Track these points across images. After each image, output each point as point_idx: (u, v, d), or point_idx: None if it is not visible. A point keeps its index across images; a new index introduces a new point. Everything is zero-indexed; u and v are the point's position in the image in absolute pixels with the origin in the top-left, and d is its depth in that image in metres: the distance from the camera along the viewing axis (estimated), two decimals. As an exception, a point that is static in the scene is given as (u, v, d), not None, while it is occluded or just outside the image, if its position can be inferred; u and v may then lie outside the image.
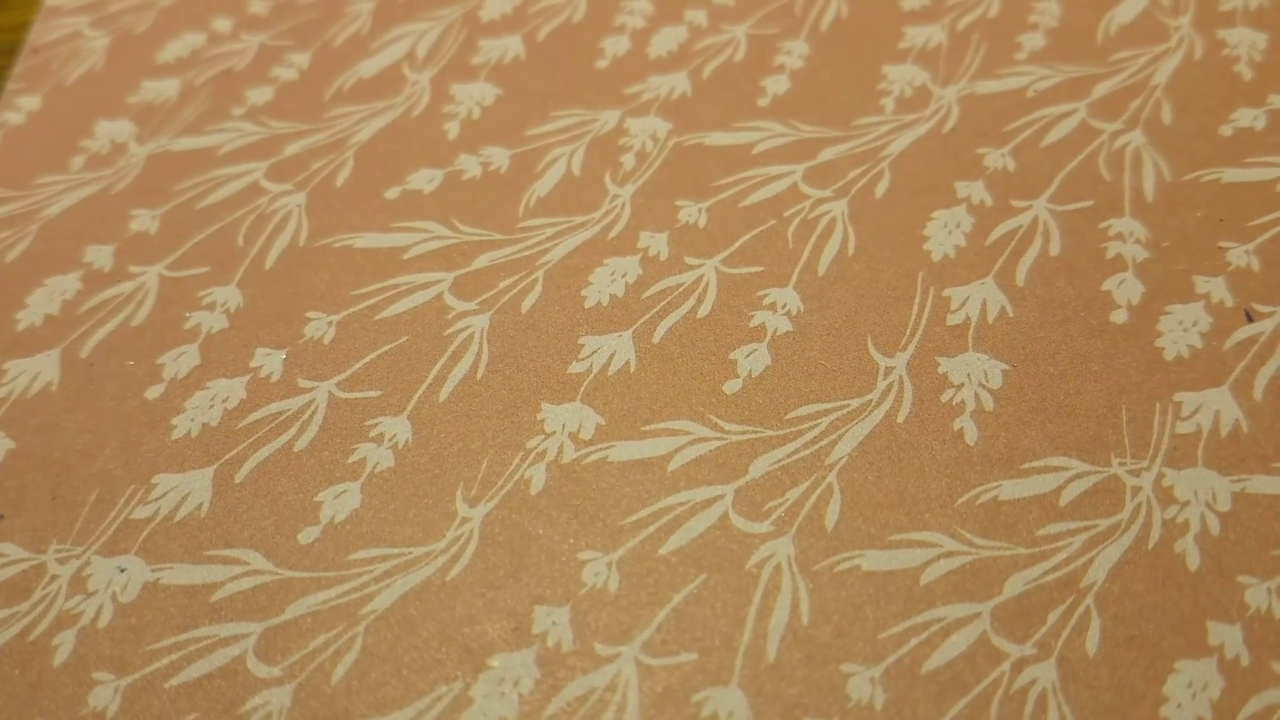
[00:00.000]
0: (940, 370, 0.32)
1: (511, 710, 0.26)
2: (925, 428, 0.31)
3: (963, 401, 0.32)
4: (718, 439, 0.31)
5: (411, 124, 0.40)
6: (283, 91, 0.41)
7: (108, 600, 0.29)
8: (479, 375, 0.33)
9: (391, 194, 0.38)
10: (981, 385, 0.32)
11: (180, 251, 0.36)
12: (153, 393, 0.33)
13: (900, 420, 0.31)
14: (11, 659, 0.28)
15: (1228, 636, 0.27)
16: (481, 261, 0.36)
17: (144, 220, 0.37)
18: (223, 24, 0.44)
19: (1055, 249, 0.35)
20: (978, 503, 0.30)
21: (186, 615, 0.28)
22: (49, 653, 0.28)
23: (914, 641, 0.27)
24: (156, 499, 0.30)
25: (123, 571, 0.29)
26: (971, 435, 0.31)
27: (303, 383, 0.33)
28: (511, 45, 0.42)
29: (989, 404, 0.31)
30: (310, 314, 0.34)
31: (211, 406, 0.32)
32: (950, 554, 0.29)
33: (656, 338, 0.34)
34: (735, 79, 0.41)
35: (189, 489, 0.31)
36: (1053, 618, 0.28)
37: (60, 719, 0.27)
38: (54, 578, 0.29)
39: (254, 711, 0.27)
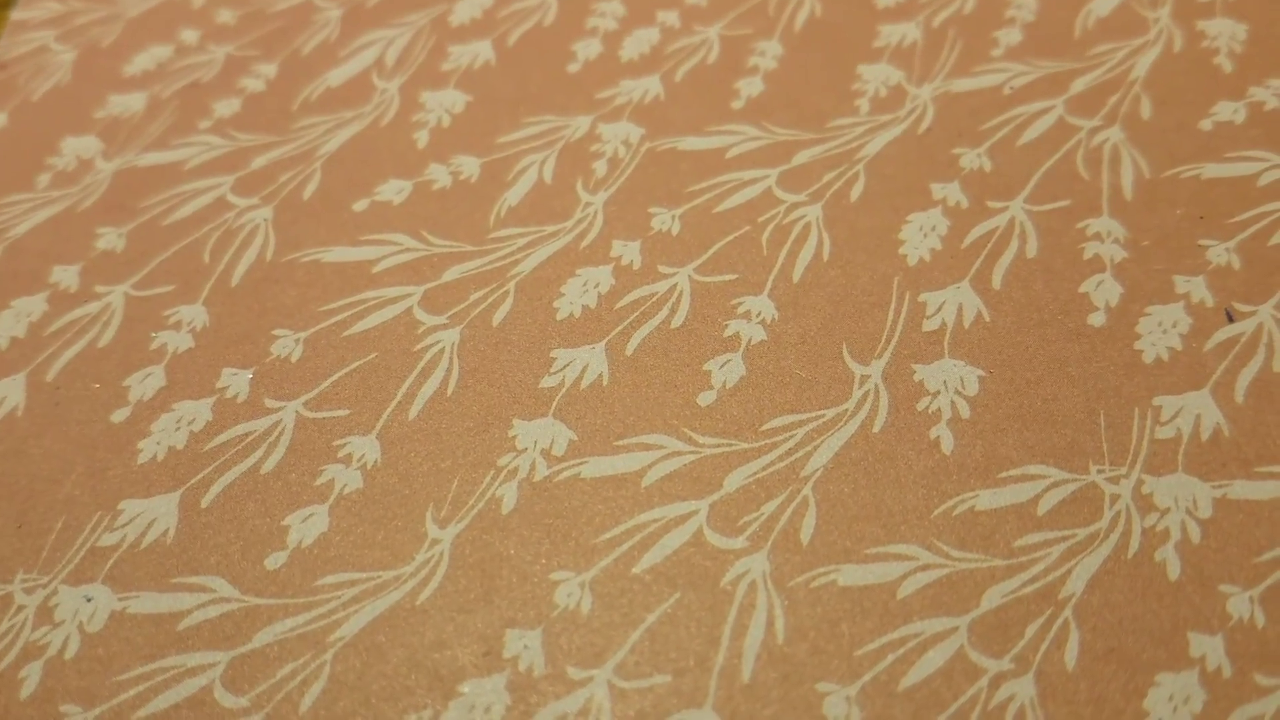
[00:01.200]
0: (916, 378, 0.32)
1: (482, 737, 0.26)
2: (901, 437, 0.31)
3: (939, 409, 0.31)
4: (692, 453, 0.31)
5: (380, 133, 0.39)
6: (250, 103, 0.40)
7: (74, 630, 0.28)
8: (449, 391, 0.32)
9: (360, 206, 0.37)
10: (958, 392, 0.31)
11: (146, 270, 0.36)
12: (119, 416, 0.32)
13: (876, 430, 0.31)
14: (-26, 694, 0.27)
15: (1209, 648, 0.27)
16: (452, 274, 0.35)
17: (110, 238, 0.37)
18: (190, 35, 0.43)
19: (1032, 251, 0.34)
20: (954, 513, 0.29)
21: (154, 645, 0.28)
22: (15, 685, 0.27)
23: (890, 658, 0.27)
24: (123, 525, 0.30)
25: (89, 601, 0.29)
26: (948, 444, 0.30)
27: (270, 403, 0.32)
28: (481, 50, 0.42)
29: (965, 411, 0.31)
30: (277, 331, 0.34)
31: (178, 429, 0.32)
32: (927, 567, 0.28)
33: (630, 349, 0.33)
34: (708, 81, 0.40)
35: (155, 515, 0.30)
36: (1031, 631, 0.27)
37: (25, 755, 0.26)
38: (20, 608, 0.29)
39: (221, 744, 0.26)
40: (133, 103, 0.41)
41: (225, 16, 0.44)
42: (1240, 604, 0.27)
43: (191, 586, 0.29)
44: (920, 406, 0.31)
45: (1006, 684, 0.26)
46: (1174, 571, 0.28)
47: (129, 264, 0.36)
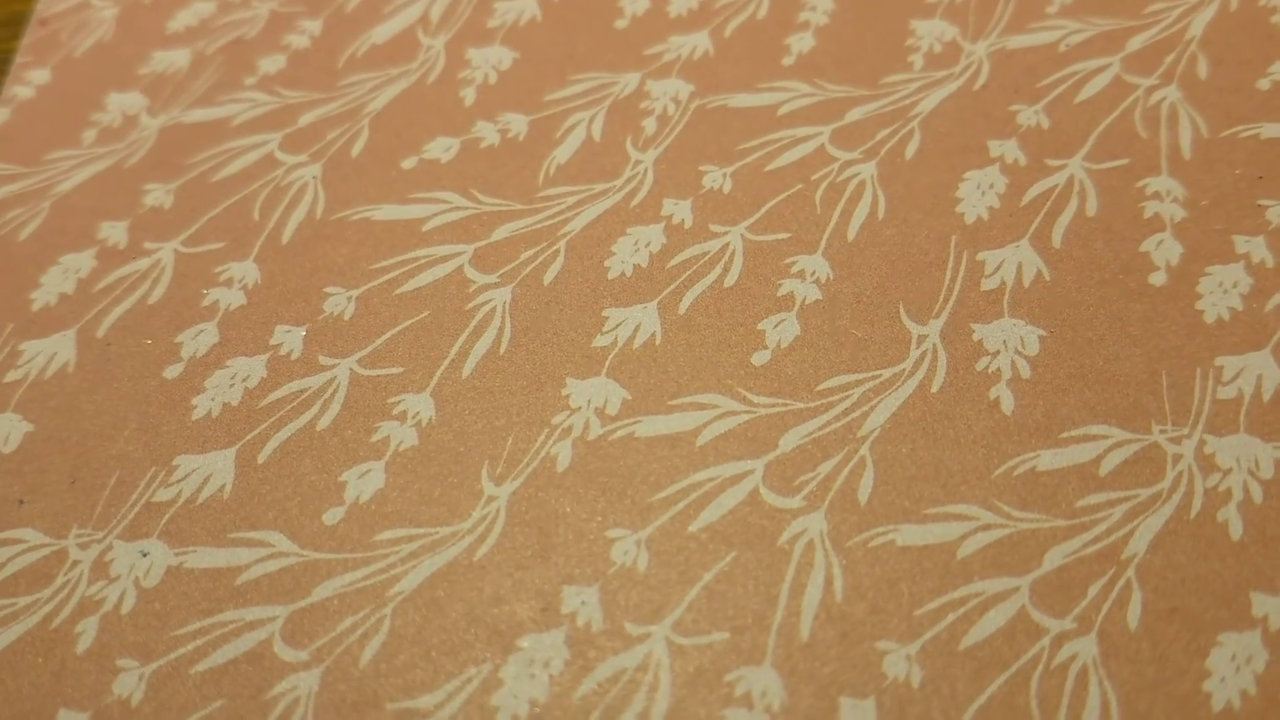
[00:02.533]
0: (975, 337, 0.31)
1: (542, 692, 0.26)
2: (960, 397, 0.30)
3: (999, 369, 0.31)
4: (747, 412, 0.31)
5: (427, 91, 0.39)
6: (295, 59, 0.40)
7: (130, 585, 0.28)
8: (502, 350, 0.32)
9: (408, 164, 0.37)
10: (1018, 352, 0.31)
11: (195, 226, 0.36)
12: (171, 372, 0.32)
13: (934, 390, 0.30)
14: (34, 647, 0.27)
15: (1272, 608, 0.26)
16: (501, 233, 0.35)
17: (158, 195, 0.37)
18: (232, -9, 0.43)
19: (1092, 209, 0.34)
20: (1015, 474, 0.29)
21: (211, 599, 0.28)
22: (72, 640, 0.27)
23: (951, 617, 0.27)
24: (178, 481, 0.30)
25: (145, 556, 0.29)
26: (1008, 404, 0.30)
27: (324, 360, 0.32)
28: (527, 6, 0.41)
29: (1025, 371, 0.31)
30: (329, 289, 0.34)
31: (232, 385, 0.32)
32: (988, 527, 0.28)
33: (682, 309, 0.33)
34: (758, 37, 0.40)
35: (211, 470, 0.30)
36: (1093, 591, 0.27)
37: (84, 707, 0.26)
38: (75, 563, 0.29)
39: (281, 697, 0.26)
40: (177, 59, 0.41)
41: (268, -27, 0.43)
42: (1305, 566, 0.27)
43: (249, 541, 0.29)
44: (979, 366, 0.31)
45: (1069, 644, 0.26)
46: (1236, 532, 0.28)
47: (178, 221, 0.36)
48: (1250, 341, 0.31)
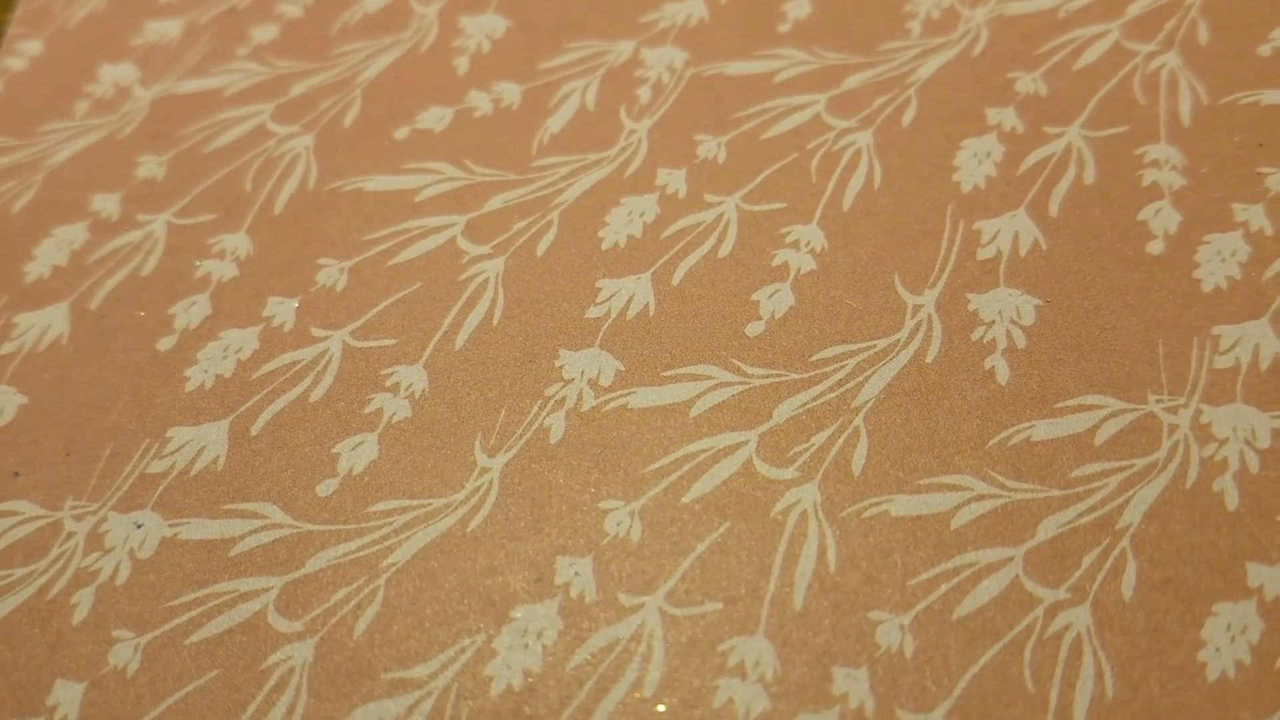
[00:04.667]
0: (970, 307, 0.31)
1: (536, 662, 0.26)
2: (955, 367, 0.30)
3: (994, 339, 0.31)
4: (740, 383, 0.30)
5: (420, 60, 0.39)
6: (287, 29, 0.40)
7: (125, 557, 0.28)
8: (495, 321, 0.32)
9: (401, 134, 0.37)
10: (1013, 322, 0.31)
11: (188, 198, 0.36)
12: (164, 344, 0.32)
13: (929, 360, 0.30)
14: (30, 618, 0.27)
15: (1267, 578, 0.26)
16: (495, 203, 0.35)
17: (150, 166, 0.36)
18: (224, -40, 0.42)
19: (1090, 177, 0.34)
20: (1010, 444, 0.29)
21: (205, 570, 0.28)
22: (68, 611, 0.28)
23: (944, 588, 0.27)
24: (172, 453, 0.30)
25: (140, 527, 0.29)
26: (1003, 374, 0.30)
27: (316, 332, 0.32)
28: (521, -25, 0.41)
29: (1021, 341, 0.31)
30: (321, 260, 0.34)
31: (225, 357, 0.32)
32: (981, 497, 0.28)
33: (676, 279, 0.33)
34: (754, 4, 0.39)
35: (204, 442, 0.30)
36: (1087, 561, 0.27)
37: (81, 677, 0.26)
38: (70, 535, 0.29)
39: (276, 667, 0.26)
40: (169, 29, 0.40)
41: (260, -59, 0.43)
42: (1300, 535, 0.27)
43: (243, 513, 0.29)
44: (975, 336, 0.31)
45: (1063, 613, 0.26)
46: (1232, 501, 0.27)
47: (170, 192, 0.36)
48: (1248, 310, 0.31)
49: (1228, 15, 0.37)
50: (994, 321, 0.31)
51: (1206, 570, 0.27)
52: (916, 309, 0.31)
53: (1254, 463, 0.28)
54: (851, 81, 0.37)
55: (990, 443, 0.29)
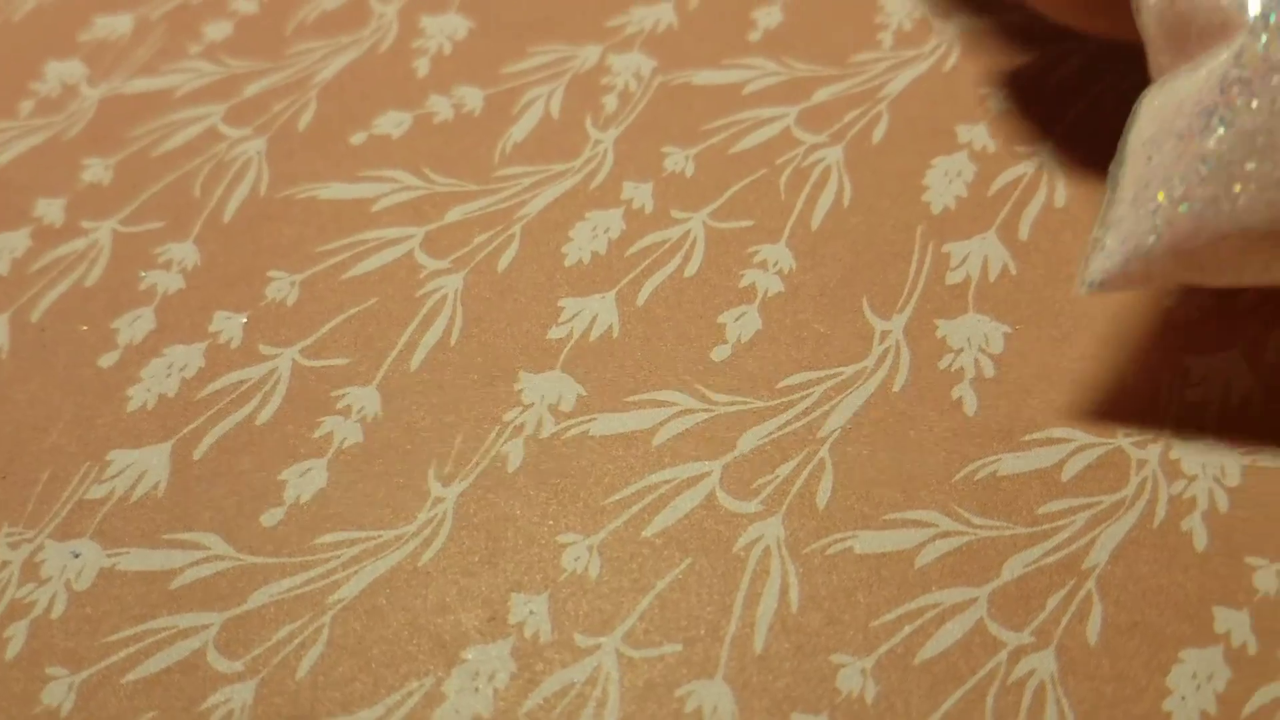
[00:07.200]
0: (939, 334, 0.31)
1: (486, 707, 0.25)
2: (923, 397, 0.30)
3: (962, 368, 0.30)
4: (705, 410, 0.30)
5: (378, 61, 0.37)
6: (242, 26, 0.38)
7: (62, 588, 0.27)
8: (453, 341, 0.31)
9: (357, 139, 0.35)
10: (982, 350, 0.30)
11: (135, 204, 0.34)
12: (107, 360, 0.31)
13: (896, 389, 0.30)
14: (-40, 654, 0.26)
15: (1235, 623, 0.26)
16: (454, 215, 0.34)
17: (97, 170, 0.35)
18: (177, -49, 0.41)
19: (1060, 200, 0.33)
20: (976, 478, 0.28)
21: (144, 604, 0.27)
22: (1, 645, 0.26)
23: (907, 629, 0.26)
24: (112, 477, 0.29)
25: (77, 557, 0.28)
26: (971, 405, 0.29)
27: (265, 349, 0.31)
28: (485, -27, 0.40)
29: (989, 370, 0.30)
30: (272, 273, 0.32)
31: (169, 375, 0.31)
32: (947, 534, 0.27)
33: (641, 300, 0.32)
34: (724, 9, 0.38)
35: (146, 466, 0.29)
36: (1052, 603, 0.26)
37: (13, 716, 0.25)
38: (5, 564, 0.28)
39: (215, 709, 0.25)
40: (119, 24, 0.39)
41: (215, -69, 0.41)
42: (1267, 577, 0.27)
43: (184, 543, 0.28)
44: (943, 364, 0.30)
45: (1026, 658, 0.26)
46: (1200, 542, 0.27)
47: (117, 198, 0.34)
48: (1220, 342, 0.30)
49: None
50: (963, 349, 0.30)
51: (1174, 614, 0.26)
52: (885, 335, 0.31)
53: (1223, 501, 0.28)
54: (821, 95, 0.36)
55: (956, 476, 0.28)
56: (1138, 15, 0.24)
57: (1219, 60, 0.21)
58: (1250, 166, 0.21)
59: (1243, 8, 0.21)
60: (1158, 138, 0.23)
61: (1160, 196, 0.22)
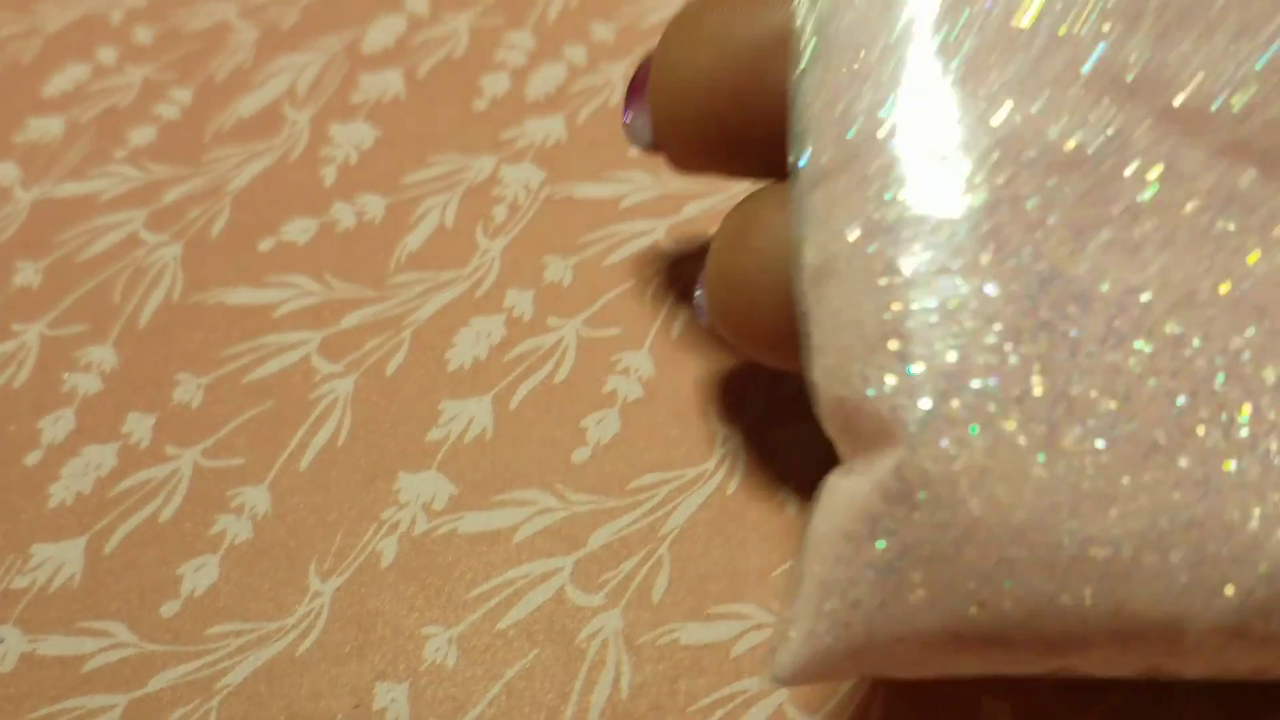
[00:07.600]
0: (771, 439, 0.34)
1: (350, 783, 0.29)
2: (753, 497, 0.33)
3: (789, 472, 0.34)
4: (563, 509, 0.33)
5: (289, 169, 0.41)
6: (165, 132, 0.42)
7: (-16, 672, 0.31)
8: (340, 442, 0.35)
9: (265, 245, 0.39)
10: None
11: (60, 308, 0.38)
12: (31, 459, 0.35)
13: (730, 492, 0.34)
14: (-110, 735, 0.30)
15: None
16: (350, 320, 0.37)
17: (27, 274, 0.39)
18: (107, 54, 0.44)
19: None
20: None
21: (60, 686, 0.31)
22: (-72, 725, 0.30)
23: (719, 714, 0.30)
24: (34, 569, 0.33)
25: (2, 642, 0.31)
26: (793, 506, 0.33)
27: (170, 450, 0.35)
28: (392, 82, 0.43)
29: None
30: (179, 376, 0.36)
31: (85, 474, 0.34)
32: (760, 626, 0.31)
33: (514, 403, 0.36)
34: (609, 124, 0.42)
35: (63, 559, 0.33)
36: (844, 690, 0.30)
37: (-64, 792, 0.29)
38: (-66, 649, 0.31)
39: (115, 785, 0.29)
40: (51, 127, 0.42)
41: (143, 35, 0.45)
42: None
43: (94, 631, 0.31)
44: (774, 467, 0.34)
45: (822, 741, 0.30)
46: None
47: (44, 302, 0.38)
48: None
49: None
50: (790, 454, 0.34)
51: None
52: (726, 438, 0.35)
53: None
54: (691, 209, 0.39)
55: (775, 572, 0.32)
56: (814, 405, 0.24)
57: (884, 468, 0.22)
58: (916, 576, 0.21)
59: (900, 422, 0.21)
60: (831, 536, 0.23)
61: (835, 598, 0.23)
